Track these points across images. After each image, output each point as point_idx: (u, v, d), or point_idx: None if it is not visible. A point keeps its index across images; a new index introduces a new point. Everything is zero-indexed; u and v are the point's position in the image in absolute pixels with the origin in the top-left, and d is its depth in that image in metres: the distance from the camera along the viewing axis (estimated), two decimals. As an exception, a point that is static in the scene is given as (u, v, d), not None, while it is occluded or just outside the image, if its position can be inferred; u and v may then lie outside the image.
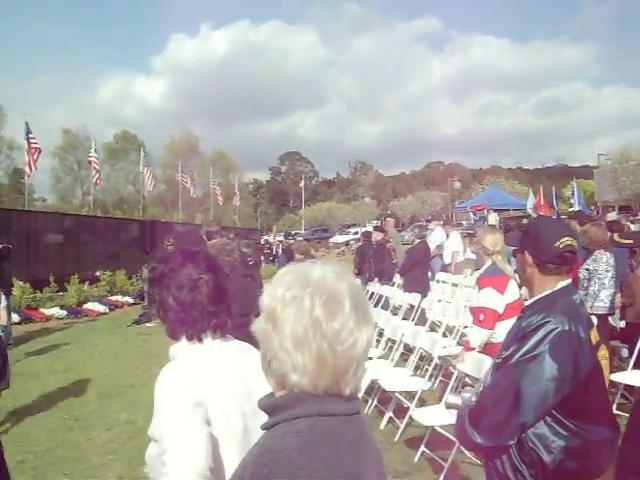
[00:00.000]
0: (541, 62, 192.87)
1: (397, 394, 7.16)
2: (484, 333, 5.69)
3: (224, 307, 2.38)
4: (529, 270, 2.94)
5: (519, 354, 2.69)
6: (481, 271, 6.24)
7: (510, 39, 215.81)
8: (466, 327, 8.15)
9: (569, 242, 2.88)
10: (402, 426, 6.90)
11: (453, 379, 6.80)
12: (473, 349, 5.77)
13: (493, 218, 32.37)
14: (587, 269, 8.02)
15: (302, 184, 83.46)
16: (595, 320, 6.98)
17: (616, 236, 8.60)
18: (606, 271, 7.92)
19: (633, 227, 11.26)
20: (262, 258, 26.36)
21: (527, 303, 3.02)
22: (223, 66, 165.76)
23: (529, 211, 34.16)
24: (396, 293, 12.21)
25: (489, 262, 6.06)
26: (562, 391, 2.62)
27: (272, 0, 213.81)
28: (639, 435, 1.82)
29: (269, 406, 1.50)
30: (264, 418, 1.53)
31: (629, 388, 6.97)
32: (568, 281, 2.96)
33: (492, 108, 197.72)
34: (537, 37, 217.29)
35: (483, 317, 5.73)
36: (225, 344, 2.37)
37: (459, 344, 8.70)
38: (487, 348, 5.68)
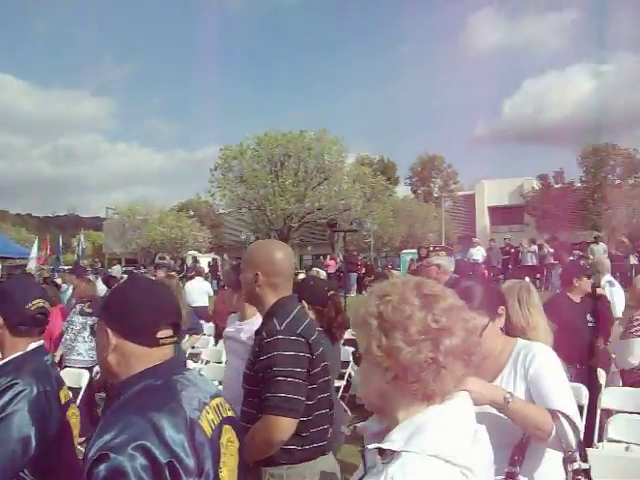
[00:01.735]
0: (60, 110, 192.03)
1: None
2: None
3: None
4: (0, 332, 2.92)
5: None
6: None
7: (31, 82, 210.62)
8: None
9: (41, 304, 2.93)
10: None
11: None
12: None
13: (-5, 265, 30.87)
14: (68, 320, 8.12)
15: None
16: (87, 373, 7.17)
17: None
18: (84, 325, 7.99)
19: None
20: None
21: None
22: None
23: (30, 261, 33.30)
24: None
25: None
26: (30, 451, 2.63)
27: None
28: None
29: None
30: None
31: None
32: (40, 342, 2.99)
33: (3, 151, 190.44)
34: (59, 85, 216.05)
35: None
36: None
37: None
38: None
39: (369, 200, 40.26)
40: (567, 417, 2.47)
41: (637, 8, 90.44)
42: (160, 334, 2.04)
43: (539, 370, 2.63)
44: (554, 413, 2.47)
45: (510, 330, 2.93)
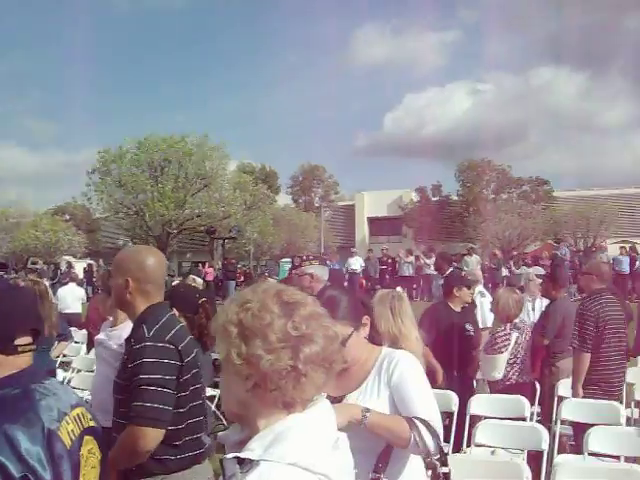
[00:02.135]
0: None
1: None
2: None
3: None
4: None
5: None
6: None
7: None
8: None
9: None
10: None
11: None
12: None
13: None
14: None
15: None
16: None
17: None
18: None
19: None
20: None
21: None
22: None
23: None
24: None
25: None
26: None
27: None
28: None
29: None
30: None
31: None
32: None
33: None
34: None
35: None
36: None
37: None
38: None
39: (249, 208, 40.10)
40: (426, 423, 2.51)
41: (513, 31, 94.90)
42: (18, 341, 1.95)
43: (401, 377, 2.66)
44: (411, 421, 2.51)
45: (377, 339, 2.96)
